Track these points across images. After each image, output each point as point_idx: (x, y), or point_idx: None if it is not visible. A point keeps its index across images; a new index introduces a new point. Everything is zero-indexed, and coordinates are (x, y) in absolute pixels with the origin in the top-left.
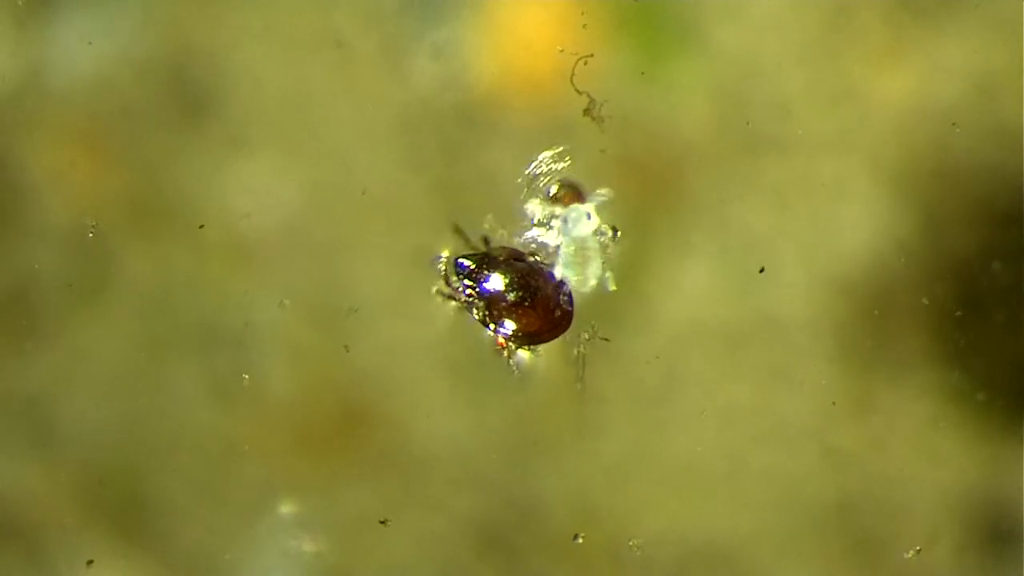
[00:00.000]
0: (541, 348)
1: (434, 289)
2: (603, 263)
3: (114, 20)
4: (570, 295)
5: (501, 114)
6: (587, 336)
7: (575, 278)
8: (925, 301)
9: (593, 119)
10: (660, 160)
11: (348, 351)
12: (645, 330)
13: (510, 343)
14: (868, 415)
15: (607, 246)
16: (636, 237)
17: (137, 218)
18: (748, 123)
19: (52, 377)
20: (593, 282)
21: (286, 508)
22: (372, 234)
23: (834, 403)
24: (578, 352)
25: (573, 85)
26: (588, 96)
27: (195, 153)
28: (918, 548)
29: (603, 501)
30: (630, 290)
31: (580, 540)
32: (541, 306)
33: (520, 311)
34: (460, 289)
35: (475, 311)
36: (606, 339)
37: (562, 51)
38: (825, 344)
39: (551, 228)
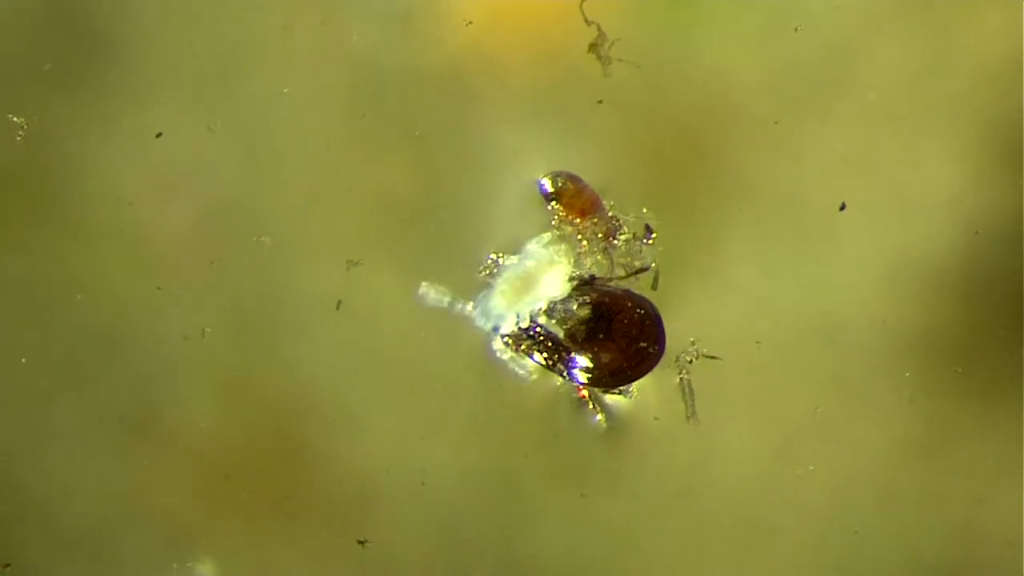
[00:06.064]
0: (634, 386)
1: (499, 340)
2: (550, 269)
3: None
4: (657, 315)
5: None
6: (689, 359)
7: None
8: None
9: (599, 58)
10: (693, 125)
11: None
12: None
13: (592, 390)
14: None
15: (638, 250)
16: (667, 231)
17: (8, 195)
18: (798, 81)
19: None
20: (560, 283)
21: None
22: (316, 221)
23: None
24: (682, 379)
25: (582, 13)
26: (597, 28)
27: (90, 115)
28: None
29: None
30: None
31: None
32: (619, 335)
33: (596, 346)
34: (526, 329)
35: (539, 355)
36: (714, 357)
37: None
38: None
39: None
